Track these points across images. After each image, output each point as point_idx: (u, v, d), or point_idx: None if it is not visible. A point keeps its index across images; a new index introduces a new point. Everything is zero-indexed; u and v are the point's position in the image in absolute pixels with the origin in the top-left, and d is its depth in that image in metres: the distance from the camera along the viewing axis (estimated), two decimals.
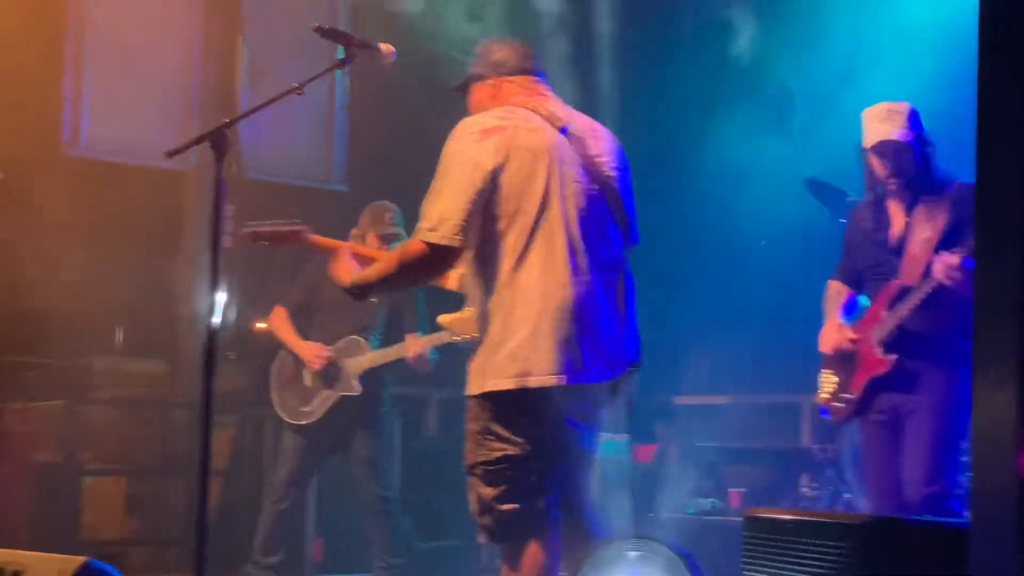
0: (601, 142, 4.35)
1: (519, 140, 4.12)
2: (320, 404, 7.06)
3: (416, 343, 6.96)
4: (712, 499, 8.17)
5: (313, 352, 7.02)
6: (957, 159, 5.52)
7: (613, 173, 4.32)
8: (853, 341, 5.54)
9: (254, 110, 4.46)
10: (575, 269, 4.09)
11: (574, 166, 4.20)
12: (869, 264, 5.63)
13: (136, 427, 8.58)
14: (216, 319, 4.19)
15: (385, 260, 4.33)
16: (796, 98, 8.93)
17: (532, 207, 4.08)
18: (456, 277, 4.63)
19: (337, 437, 7.12)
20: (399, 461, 8.31)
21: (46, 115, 8.53)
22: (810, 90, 9.05)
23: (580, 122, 4.35)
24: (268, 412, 7.64)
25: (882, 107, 5.47)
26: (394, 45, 4.65)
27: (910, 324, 5.29)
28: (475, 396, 4.14)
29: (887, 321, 5.37)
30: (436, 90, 9.53)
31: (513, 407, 4.06)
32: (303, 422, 7.05)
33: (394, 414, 7.47)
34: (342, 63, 4.59)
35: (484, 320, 4.14)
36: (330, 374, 7.04)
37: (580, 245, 4.12)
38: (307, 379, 7.09)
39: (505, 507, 4.13)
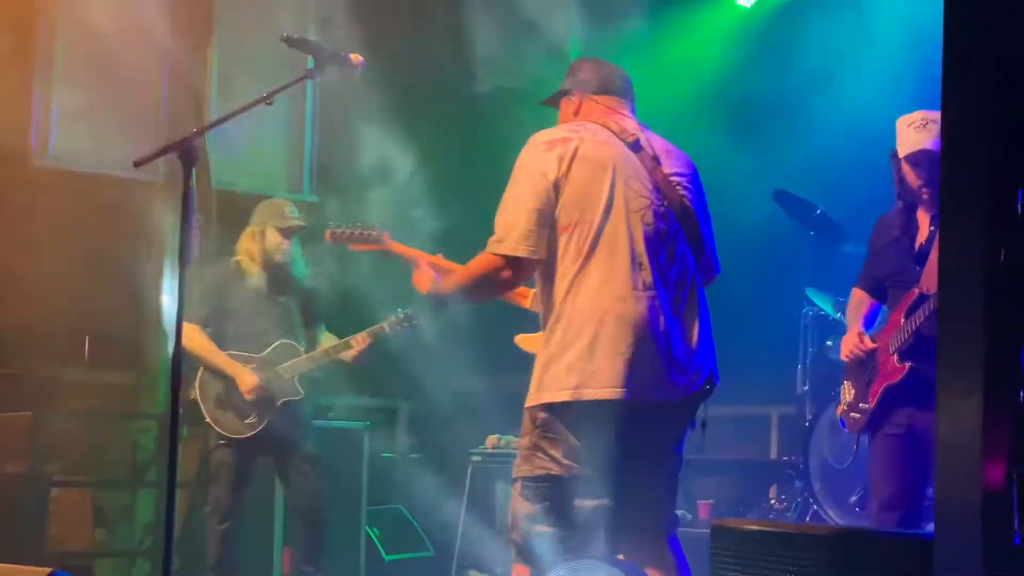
0: (675, 161, 4.28)
1: (583, 151, 4.09)
2: (262, 414, 6.87)
3: (360, 340, 6.93)
4: (681, 511, 8.16)
5: (247, 385, 6.78)
6: None
7: (686, 193, 4.24)
8: (871, 349, 5.51)
9: (222, 120, 4.44)
10: (637, 284, 4.01)
11: (642, 181, 4.13)
12: (891, 272, 5.57)
13: (103, 438, 8.54)
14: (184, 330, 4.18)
15: (461, 272, 4.26)
16: (764, 109, 8.96)
17: (594, 218, 4.03)
18: (531, 296, 4.61)
19: (269, 443, 6.90)
20: (366, 473, 8.28)
21: (14, 125, 8.49)
22: (778, 101, 9.10)
23: (655, 141, 4.29)
24: None
25: (917, 115, 5.35)
26: (364, 55, 4.63)
27: (927, 331, 5.22)
28: (530, 408, 4.08)
29: (904, 328, 5.31)
30: (407, 99, 9.60)
31: (566, 424, 3.97)
32: (247, 435, 6.84)
33: (364, 428, 7.40)
34: (311, 73, 4.57)
35: (547, 331, 4.09)
36: (268, 386, 6.86)
37: (644, 260, 4.04)
38: (241, 394, 6.87)
39: (538, 528, 4.02)
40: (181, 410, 4.08)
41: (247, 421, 6.85)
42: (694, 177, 4.31)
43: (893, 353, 5.34)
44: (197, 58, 9.05)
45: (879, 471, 5.47)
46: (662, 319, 4.01)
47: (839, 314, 7.87)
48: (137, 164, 4.32)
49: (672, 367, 4.02)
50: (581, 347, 3.93)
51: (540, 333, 4.46)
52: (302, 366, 6.92)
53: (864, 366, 5.55)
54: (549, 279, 4.07)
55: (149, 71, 9.18)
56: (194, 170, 4.19)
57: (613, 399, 3.92)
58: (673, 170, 4.24)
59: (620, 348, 3.93)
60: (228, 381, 6.84)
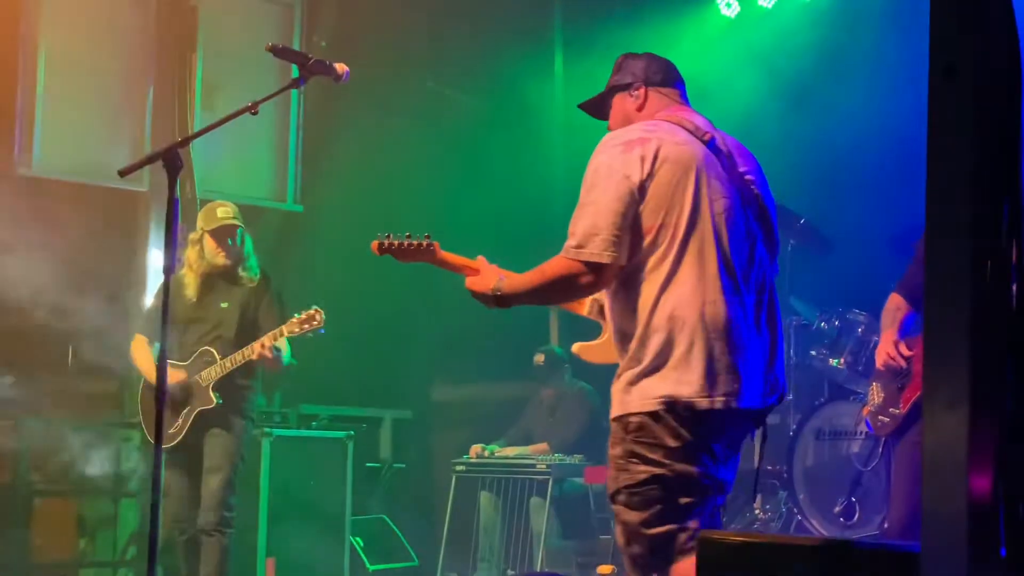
0: (746, 159, 4.15)
1: (665, 152, 3.90)
2: (182, 423, 6.79)
3: (257, 344, 6.68)
4: None
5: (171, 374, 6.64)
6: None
7: (760, 191, 4.12)
8: (906, 357, 5.49)
9: (207, 129, 4.44)
10: (728, 288, 3.87)
11: (722, 181, 3.98)
12: None
13: (87, 447, 8.51)
14: (168, 339, 4.17)
15: (534, 274, 4.01)
16: (748, 119, 8.99)
17: (681, 222, 3.86)
18: (588, 302, 4.50)
19: (189, 452, 6.78)
20: (350, 483, 8.28)
21: None
22: (762, 111, 9.13)
23: (726, 138, 4.15)
24: None
25: None
26: (349, 64, 4.63)
27: None
28: (618, 418, 3.90)
29: None
30: (390, 110, 9.63)
31: (660, 429, 3.81)
32: (175, 442, 6.74)
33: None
34: (296, 82, 4.56)
35: (628, 340, 3.91)
36: (185, 392, 6.76)
37: (731, 263, 3.90)
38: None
39: (654, 531, 3.85)
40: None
41: (171, 431, 6.78)
42: (762, 175, 4.17)
43: None
44: (181, 67, 9.03)
45: (904, 481, 5.45)
46: (751, 324, 3.92)
47: (822, 324, 7.90)
48: (122, 173, 4.32)
49: (759, 374, 3.92)
50: (677, 356, 3.79)
51: (600, 341, 4.42)
52: (214, 373, 6.77)
53: (897, 371, 5.53)
54: (631, 285, 3.90)
55: (133, 80, 9.17)
56: (179, 179, 4.18)
57: (709, 408, 3.80)
58: (745, 168, 4.11)
59: (715, 356, 3.80)
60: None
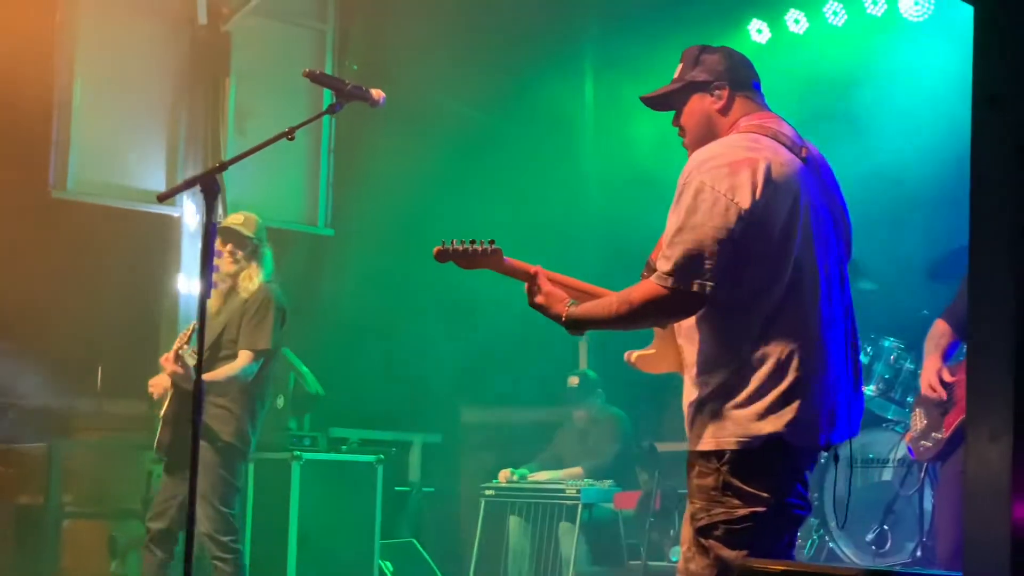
0: (830, 174, 3.93)
1: (775, 175, 3.63)
2: (166, 439, 6.64)
3: (170, 353, 6.48)
4: (676, 547, 8.14)
5: (166, 360, 6.55)
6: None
7: (844, 208, 3.91)
8: (948, 384, 5.47)
9: (245, 154, 4.44)
10: (827, 321, 3.69)
11: (820, 204, 3.77)
12: None
13: (117, 469, 8.55)
14: (202, 361, 4.19)
15: (615, 301, 3.77)
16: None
17: (788, 248, 3.62)
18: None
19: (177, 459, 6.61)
20: (379, 507, 8.28)
21: (33, 157, 8.53)
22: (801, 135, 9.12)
23: (812, 149, 3.89)
24: (252, 455, 7.60)
25: None
26: (380, 87, 4.63)
27: None
28: (713, 451, 3.67)
29: None
30: (421, 133, 9.65)
31: (757, 463, 3.62)
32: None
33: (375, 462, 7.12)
34: (333, 108, 4.56)
35: (718, 368, 3.68)
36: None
37: (831, 293, 3.72)
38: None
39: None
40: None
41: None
42: (839, 187, 3.95)
43: None
44: (214, 92, 9.09)
45: (948, 508, 5.40)
46: (842, 355, 3.74)
47: None
48: (161, 198, 4.34)
49: (847, 405, 3.76)
50: (778, 391, 3.60)
51: (655, 350, 4.17)
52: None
53: (940, 398, 5.52)
54: (729, 314, 3.67)
55: (167, 104, 9.24)
56: (217, 203, 4.20)
57: (809, 445, 3.67)
58: (834, 183, 3.91)
59: (814, 392, 3.63)
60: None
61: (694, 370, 3.78)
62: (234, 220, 6.87)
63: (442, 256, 4.19)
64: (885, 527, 7.25)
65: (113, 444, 8.60)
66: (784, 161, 3.69)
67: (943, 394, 5.47)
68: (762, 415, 3.60)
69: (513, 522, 8.67)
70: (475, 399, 10.41)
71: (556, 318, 3.89)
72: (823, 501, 7.63)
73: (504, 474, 8.77)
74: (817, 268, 3.68)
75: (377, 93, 4.60)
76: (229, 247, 6.80)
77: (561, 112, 10.28)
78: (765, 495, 3.62)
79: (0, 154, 7.95)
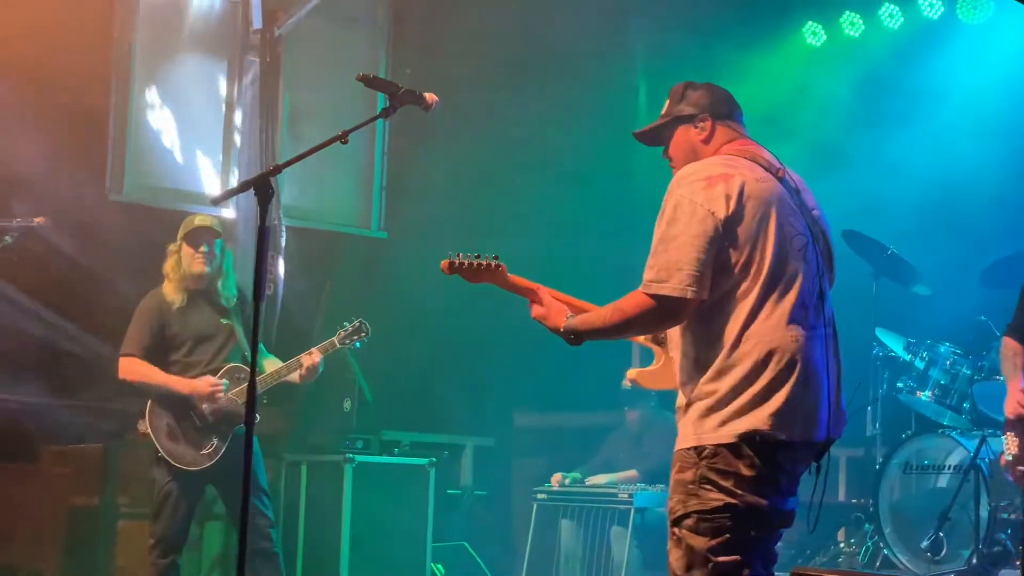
0: (810, 196, 4.18)
1: (749, 189, 3.91)
2: (221, 440, 6.71)
3: (309, 357, 6.71)
4: None
5: (208, 383, 6.65)
6: None
7: (825, 228, 4.16)
8: None
9: (299, 157, 4.45)
10: (805, 323, 3.91)
11: (796, 218, 4.01)
12: None
13: None
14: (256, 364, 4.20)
15: (608, 310, 4.03)
16: (834, 150, 8.91)
17: (765, 258, 3.88)
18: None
19: (220, 472, 6.69)
20: (431, 510, 8.29)
21: (90, 160, 8.60)
22: (849, 141, 9.06)
23: (791, 174, 4.17)
24: (305, 457, 7.64)
25: None
26: (433, 89, 4.64)
27: None
28: (694, 447, 3.88)
29: None
30: (473, 135, 9.66)
31: (736, 458, 3.82)
32: (206, 465, 6.67)
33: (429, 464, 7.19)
34: (386, 112, 4.56)
35: (702, 370, 3.90)
36: (222, 409, 6.69)
37: (808, 299, 3.94)
38: (197, 420, 6.70)
39: (721, 559, 3.82)
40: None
41: (203, 451, 6.69)
42: (822, 212, 4.20)
43: None
44: (268, 93, 9.12)
45: None
46: (822, 358, 3.95)
47: (909, 355, 7.81)
48: (215, 202, 4.40)
49: (830, 408, 3.95)
50: (756, 389, 3.81)
51: (656, 367, 4.42)
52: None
53: None
54: (711, 318, 3.90)
55: (222, 108, 9.30)
56: (269, 207, 4.21)
57: (788, 441, 3.82)
58: (811, 205, 4.15)
59: (794, 390, 3.83)
60: (178, 410, 6.70)
61: (683, 376, 4.02)
62: (204, 220, 6.85)
63: (449, 269, 4.47)
64: (940, 534, 7.18)
65: None
66: (759, 178, 3.97)
67: None
68: (742, 412, 3.82)
69: (565, 526, 8.65)
70: (528, 402, 10.40)
71: (555, 329, 4.17)
72: (879, 507, 7.58)
73: (556, 478, 8.76)
74: (794, 278, 3.92)
75: (430, 97, 4.61)
76: (203, 247, 6.80)
77: (614, 116, 10.25)
78: (740, 491, 3.81)
79: (58, 158, 8.00)
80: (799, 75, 9.59)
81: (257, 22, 9.10)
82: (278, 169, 4.33)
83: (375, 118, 4.61)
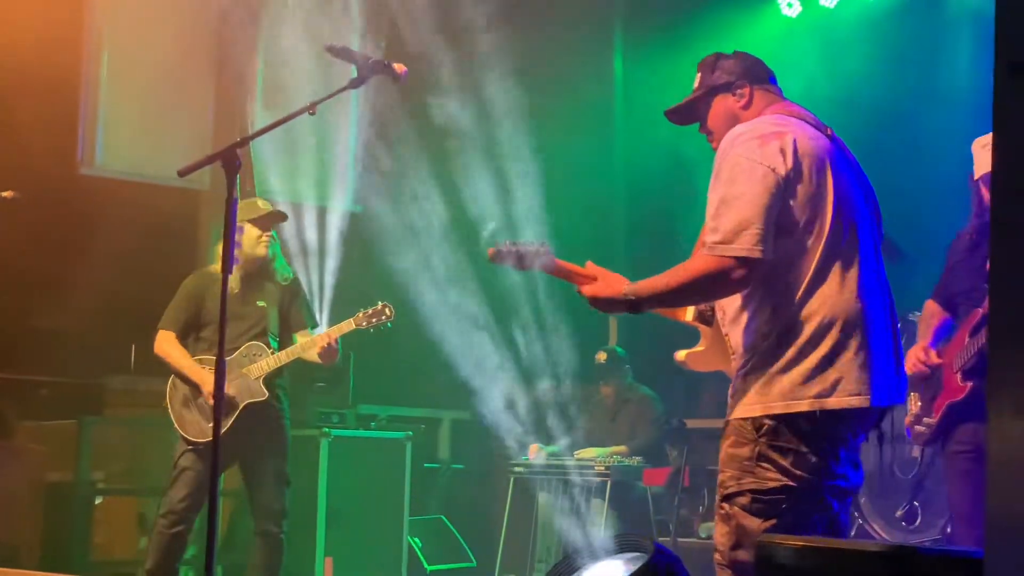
0: (852, 155, 4.01)
1: (803, 146, 3.76)
2: (227, 417, 6.67)
3: (323, 336, 6.75)
4: (706, 524, 8.13)
5: (209, 386, 6.62)
6: None
7: (871, 187, 4.00)
8: (935, 365, 5.44)
9: (265, 129, 4.45)
10: (866, 287, 3.75)
11: (849, 177, 3.85)
12: (963, 289, 5.46)
13: (149, 446, 8.56)
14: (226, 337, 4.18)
15: (674, 275, 3.76)
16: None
17: (826, 218, 3.73)
18: (692, 309, 4.25)
19: (237, 449, 6.69)
20: (408, 483, 8.28)
21: (61, 133, 8.54)
22: (840, 123, 9.04)
23: (833, 133, 4.01)
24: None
25: (991, 137, 5.32)
26: (406, 63, 4.61)
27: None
28: (749, 418, 3.72)
29: (969, 347, 5.21)
30: (447, 109, 9.60)
31: (795, 433, 3.67)
32: (208, 439, 6.65)
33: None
34: (355, 83, 4.54)
35: (764, 337, 3.73)
36: (231, 385, 6.69)
37: (869, 261, 3.80)
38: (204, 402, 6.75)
39: None
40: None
41: (208, 425, 6.66)
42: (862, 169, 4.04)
43: (957, 371, 5.27)
44: (243, 66, 9.07)
45: (955, 492, 5.40)
46: (884, 322, 3.80)
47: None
48: (182, 173, 4.34)
49: (891, 372, 3.79)
50: (820, 355, 3.66)
51: (703, 348, 4.23)
52: (267, 366, 6.72)
53: (929, 380, 5.49)
54: (770, 282, 3.73)
55: (195, 80, 9.23)
56: (238, 179, 4.18)
57: (858, 407, 3.68)
58: (857, 163, 3.99)
59: (862, 354, 3.68)
60: (193, 388, 6.76)
61: (740, 347, 3.82)
62: (268, 205, 6.93)
63: (497, 258, 4.08)
64: (915, 503, 7.21)
65: (144, 421, 8.62)
66: (811, 135, 3.82)
67: (924, 368, 5.43)
68: (808, 378, 3.65)
69: (542, 499, 8.66)
70: (504, 375, 10.38)
71: (613, 299, 3.82)
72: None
73: (534, 448, 8.76)
74: (855, 235, 3.77)
75: (399, 68, 4.59)
76: (272, 232, 6.90)
77: (591, 90, 10.23)
78: (799, 472, 3.65)
79: (29, 131, 7.95)
80: (775, 46, 9.56)
81: None
82: (245, 141, 4.32)
83: (342, 89, 4.59)
